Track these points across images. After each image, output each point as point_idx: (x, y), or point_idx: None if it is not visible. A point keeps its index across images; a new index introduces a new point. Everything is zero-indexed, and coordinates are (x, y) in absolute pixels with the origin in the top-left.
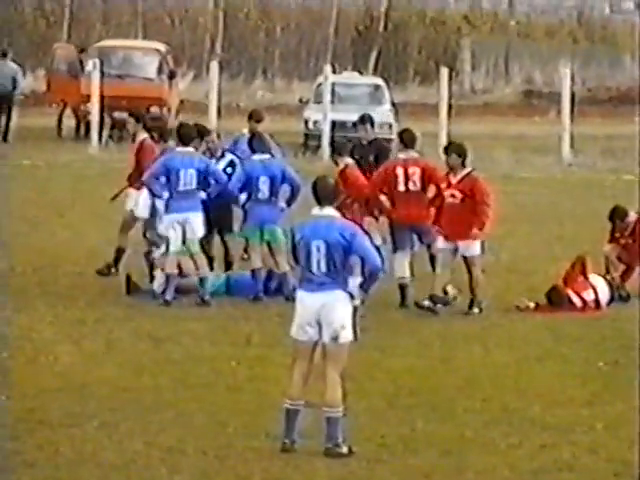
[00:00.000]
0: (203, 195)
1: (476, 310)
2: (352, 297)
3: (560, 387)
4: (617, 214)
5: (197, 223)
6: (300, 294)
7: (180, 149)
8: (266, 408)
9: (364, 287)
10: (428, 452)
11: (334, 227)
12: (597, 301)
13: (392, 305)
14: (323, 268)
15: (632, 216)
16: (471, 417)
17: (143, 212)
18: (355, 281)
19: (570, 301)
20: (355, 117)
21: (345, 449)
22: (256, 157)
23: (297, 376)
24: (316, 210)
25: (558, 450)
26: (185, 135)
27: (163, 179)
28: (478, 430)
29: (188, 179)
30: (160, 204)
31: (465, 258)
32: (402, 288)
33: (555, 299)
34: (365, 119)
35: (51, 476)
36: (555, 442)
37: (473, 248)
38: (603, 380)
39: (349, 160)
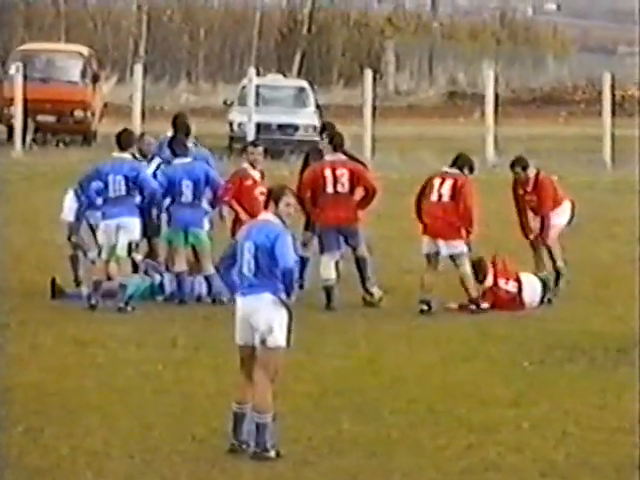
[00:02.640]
0: (137, 200)
1: (474, 307)
2: (282, 301)
3: (486, 387)
4: (518, 162)
5: (130, 227)
6: (237, 299)
7: (115, 154)
8: (192, 411)
9: (285, 290)
10: (354, 453)
11: (264, 229)
12: (520, 297)
13: (318, 306)
14: (252, 269)
15: (532, 171)
16: (397, 418)
17: (68, 215)
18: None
19: (495, 283)
20: (280, 119)
21: (273, 453)
22: (177, 161)
23: (241, 379)
24: (262, 214)
25: (485, 450)
26: (122, 140)
27: (99, 184)
28: (404, 431)
29: (117, 185)
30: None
31: (451, 257)
32: (328, 290)
33: (478, 269)
34: (323, 130)
35: None
36: (481, 442)
37: (456, 246)
38: (529, 380)
39: None
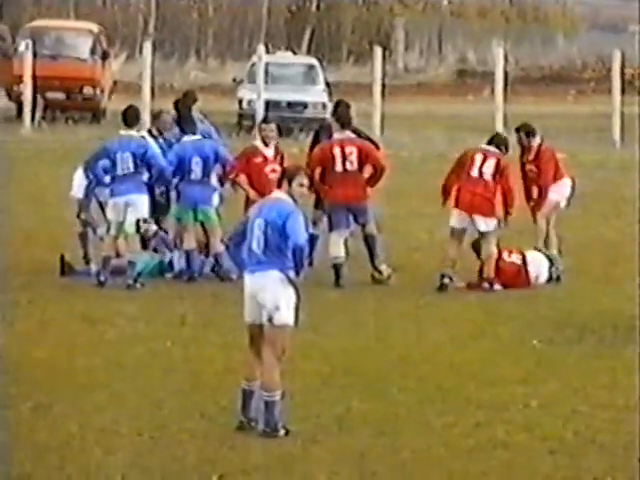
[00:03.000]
0: (145, 178)
1: (487, 286)
2: (290, 280)
3: (495, 365)
4: (523, 127)
5: (138, 204)
6: (245, 276)
7: (122, 132)
8: (201, 388)
9: (295, 268)
10: (363, 431)
11: (275, 207)
12: (525, 270)
13: (326, 284)
14: (262, 246)
15: (536, 140)
16: (406, 396)
17: (77, 192)
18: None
19: (499, 257)
20: (289, 97)
21: (282, 432)
22: (186, 138)
23: (250, 357)
24: (275, 192)
25: (493, 428)
26: (128, 117)
27: (106, 162)
28: (413, 409)
29: (125, 163)
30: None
31: (481, 233)
32: (336, 268)
33: (477, 247)
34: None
35: None
36: (490, 420)
37: (488, 224)
38: (537, 358)
39: None
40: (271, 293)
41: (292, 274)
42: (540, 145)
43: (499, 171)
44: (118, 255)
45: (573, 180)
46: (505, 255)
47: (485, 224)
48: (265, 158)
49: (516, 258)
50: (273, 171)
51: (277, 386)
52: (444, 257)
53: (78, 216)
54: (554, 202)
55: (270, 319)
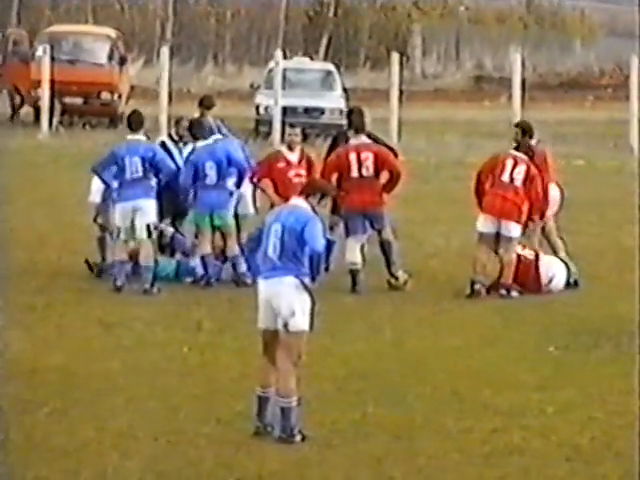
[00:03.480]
0: (153, 183)
1: (505, 292)
2: (305, 286)
3: (511, 371)
4: (521, 124)
5: (147, 209)
6: (259, 282)
7: (129, 136)
8: (217, 393)
9: (311, 275)
10: (379, 437)
11: (294, 213)
12: (536, 267)
13: (343, 290)
14: (277, 251)
15: (532, 141)
16: (422, 402)
17: (95, 197)
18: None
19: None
20: (306, 103)
21: (299, 438)
22: (199, 144)
23: (264, 363)
24: (293, 199)
25: (509, 434)
26: (134, 122)
27: (114, 167)
28: (429, 415)
29: (134, 167)
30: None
31: (503, 238)
32: (353, 273)
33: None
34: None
35: (1, 462)
36: (506, 426)
37: (514, 230)
38: (554, 364)
39: None
40: (286, 299)
41: (307, 280)
42: (535, 145)
43: (529, 178)
44: (130, 258)
45: (561, 187)
46: (519, 249)
47: (512, 230)
48: (289, 163)
49: (529, 254)
50: (297, 175)
51: (293, 392)
52: (474, 263)
53: (95, 220)
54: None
55: (285, 325)
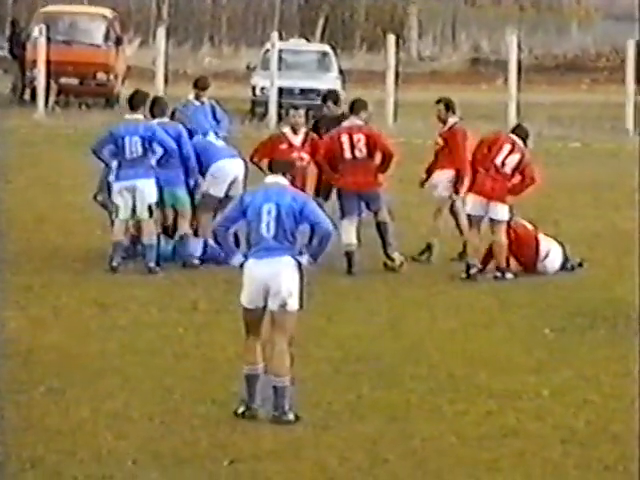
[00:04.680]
0: (153, 162)
1: (499, 274)
2: (300, 265)
3: (506, 354)
4: (445, 100)
5: (147, 189)
6: (249, 261)
7: (128, 116)
8: (212, 374)
9: (313, 254)
10: (374, 418)
11: (286, 193)
12: (536, 236)
13: (338, 272)
14: (272, 231)
15: (454, 118)
16: (417, 384)
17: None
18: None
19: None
20: (302, 84)
21: (292, 416)
22: (155, 120)
23: (251, 342)
24: (270, 178)
25: (504, 417)
26: (135, 101)
27: (112, 147)
28: (424, 397)
29: (134, 147)
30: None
31: (492, 221)
32: (348, 255)
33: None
34: (327, 97)
35: None
36: (501, 409)
37: (502, 212)
38: (549, 347)
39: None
40: (286, 279)
41: (304, 260)
42: (455, 124)
43: (520, 167)
44: (133, 238)
45: (458, 171)
46: (519, 218)
47: (500, 212)
48: (291, 145)
49: (529, 225)
50: (300, 159)
51: (287, 371)
52: (469, 246)
53: (94, 198)
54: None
55: (284, 305)
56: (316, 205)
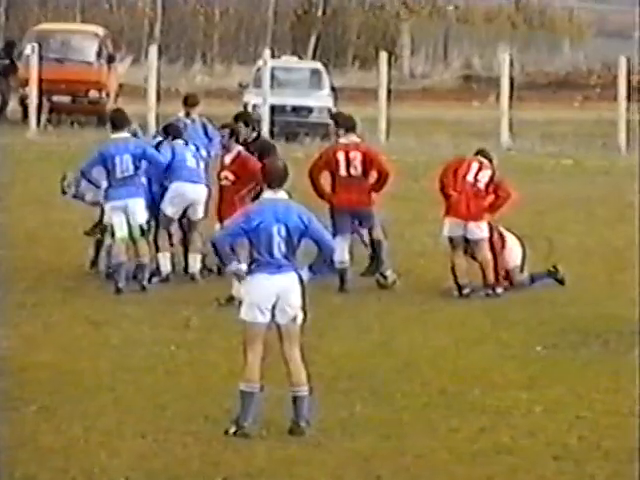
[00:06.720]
0: (143, 180)
1: (490, 291)
2: (301, 279)
3: (499, 370)
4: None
5: (138, 209)
6: (258, 277)
7: (115, 135)
8: (205, 392)
9: (316, 270)
10: (367, 436)
11: (292, 211)
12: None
13: (331, 289)
14: (283, 251)
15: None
16: (410, 400)
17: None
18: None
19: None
20: (294, 102)
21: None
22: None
23: (252, 358)
24: (269, 193)
25: (497, 433)
26: (118, 120)
27: (100, 168)
28: (417, 413)
29: (124, 165)
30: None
31: (470, 241)
32: (341, 272)
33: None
34: (238, 118)
35: None
36: (494, 425)
37: (480, 230)
38: (541, 363)
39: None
40: (295, 294)
41: (304, 274)
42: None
43: (493, 183)
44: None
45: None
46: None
47: (478, 230)
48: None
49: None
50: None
51: (305, 381)
52: (456, 269)
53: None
54: None
55: (295, 318)
56: (319, 222)
